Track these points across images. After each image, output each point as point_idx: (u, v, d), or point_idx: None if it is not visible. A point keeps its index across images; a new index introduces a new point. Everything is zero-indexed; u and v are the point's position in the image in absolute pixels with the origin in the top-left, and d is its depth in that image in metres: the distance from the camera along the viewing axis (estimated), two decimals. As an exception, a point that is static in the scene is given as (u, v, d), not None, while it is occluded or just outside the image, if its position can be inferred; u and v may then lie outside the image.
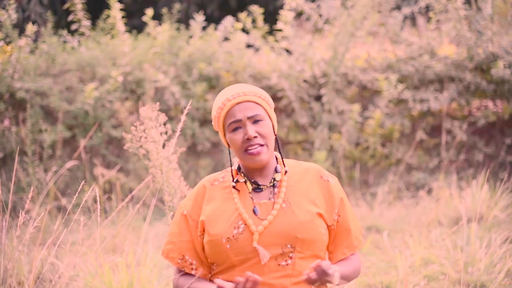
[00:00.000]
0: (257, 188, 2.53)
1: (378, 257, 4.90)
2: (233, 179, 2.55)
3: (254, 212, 2.48)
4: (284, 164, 2.55)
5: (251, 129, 2.45)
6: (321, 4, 7.21)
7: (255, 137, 2.45)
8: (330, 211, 2.53)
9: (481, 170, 6.76)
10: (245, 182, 2.54)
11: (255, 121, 2.47)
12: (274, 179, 2.53)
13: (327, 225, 2.53)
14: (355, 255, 2.60)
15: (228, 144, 2.53)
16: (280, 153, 2.59)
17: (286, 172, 2.54)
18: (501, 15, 6.77)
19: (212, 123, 2.55)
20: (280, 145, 2.64)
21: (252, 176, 2.54)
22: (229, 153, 2.59)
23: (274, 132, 2.52)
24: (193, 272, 2.56)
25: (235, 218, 2.47)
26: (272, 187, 2.53)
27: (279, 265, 2.45)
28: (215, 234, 2.47)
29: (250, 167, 2.51)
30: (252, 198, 2.51)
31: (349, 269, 2.54)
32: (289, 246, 2.45)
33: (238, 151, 2.48)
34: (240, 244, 2.44)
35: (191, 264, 2.55)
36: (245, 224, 2.46)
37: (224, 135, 2.52)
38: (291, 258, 2.46)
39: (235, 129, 2.47)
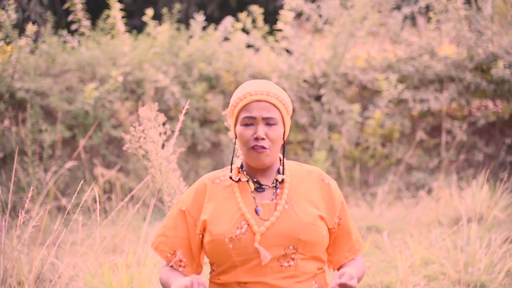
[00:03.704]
0: (259, 188, 2.52)
1: (378, 257, 4.90)
2: (231, 170, 2.53)
3: (256, 212, 2.47)
4: (283, 173, 2.54)
5: (262, 130, 2.45)
6: (321, 4, 7.20)
7: (263, 139, 2.45)
8: (331, 214, 2.54)
9: (481, 170, 6.76)
10: (247, 181, 2.53)
11: (268, 123, 2.46)
12: (277, 180, 2.53)
13: (328, 228, 2.53)
14: (359, 258, 2.63)
15: (236, 135, 2.53)
16: (283, 156, 2.58)
17: (284, 180, 2.55)
18: (501, 15, 6.77)
19: (228, 110, 2.55)
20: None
21: (255, 175, 2.53)
22: (233, 150, 2.59)
23: (284, 137, 2.52)
24: (180, 270, 2.53)
25: (237, 218, 2.46)
26: (274, 188, 2.53)
27: (281, 266, 2.45)
28: (217, 234, 2.46)
29: (252, 165, 2.51)
30: (254, 197, 2.51)
31: (359, 273, 2.57)
32: (291, 247, 2.45)
33: (243, 146, 2.48)
34: (243, 244, 2.44)
35: (181, 261, 2.53)
36: (248, 225, 2.45)
37: (235, 125, 2.52)
38: (293, 259, 2.45)
39: (246, 124, 2.47)
